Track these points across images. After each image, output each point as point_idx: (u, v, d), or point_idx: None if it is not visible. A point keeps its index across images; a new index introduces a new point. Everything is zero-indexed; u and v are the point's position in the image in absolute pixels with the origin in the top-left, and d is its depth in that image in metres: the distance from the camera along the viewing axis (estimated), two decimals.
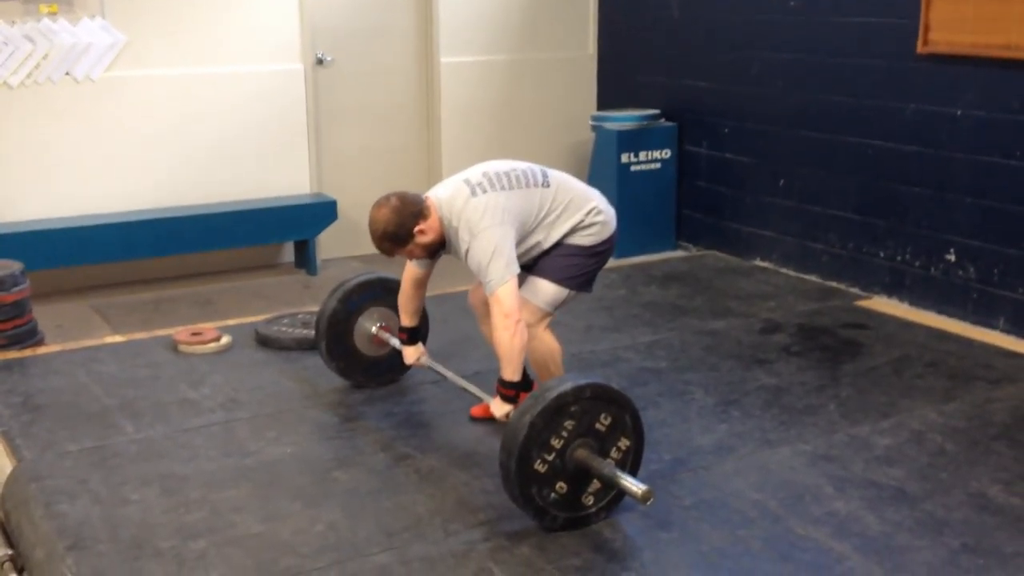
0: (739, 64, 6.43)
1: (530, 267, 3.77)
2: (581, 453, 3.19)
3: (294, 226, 6.55)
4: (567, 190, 3.76)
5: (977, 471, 3.66)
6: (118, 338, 5.12)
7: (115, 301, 5.99)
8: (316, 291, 6.21)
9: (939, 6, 5.20)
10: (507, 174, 3.66)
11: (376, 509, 3.41)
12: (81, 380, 4.51)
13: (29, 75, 5.82)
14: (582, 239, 3.74)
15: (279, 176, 6.61)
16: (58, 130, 5.98)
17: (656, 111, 6.95)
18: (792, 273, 6.20)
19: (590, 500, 3.27)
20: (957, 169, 5.25)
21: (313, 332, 4.90)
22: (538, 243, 3.72)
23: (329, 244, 6.79)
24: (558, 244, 3.73)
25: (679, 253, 6.90)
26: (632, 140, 6.78)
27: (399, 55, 6.99)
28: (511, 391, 3.55)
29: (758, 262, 6.45)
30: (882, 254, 5.69)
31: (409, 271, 3.92)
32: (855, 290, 5.83)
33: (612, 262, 3.83)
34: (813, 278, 6.07)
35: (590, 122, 7.03)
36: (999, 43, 4.94)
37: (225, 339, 4.91)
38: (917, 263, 5.51)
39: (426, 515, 3.37)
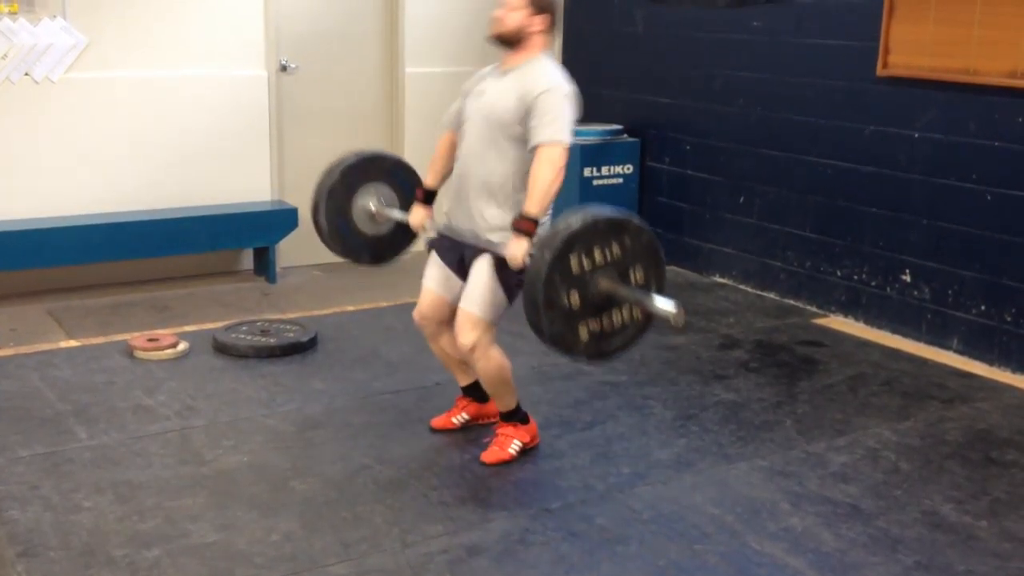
0: (702, 81, 6.49)
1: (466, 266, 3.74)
2: (605, 283, 3.17)
3: (254, 233, 6.50)
4: None
5: (930, 489, 3.71)
6: (73, 343, 5.06)
7: (71, 305, 5.91)
8: (275, 299, 6.18)
9: (899, 29, 5.28)
10: None
11: (333, 519, 3.39)
12: (34, 385, 4.44)
13: None
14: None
15: (240, 182, 6.56)
16: (15, 131, 5.90)
17: (619, 126, 6.99)
18: (751, 290, 6.25)
19: (615, 335, 3.26)
20: (914, 191, 5.33)
21: (272, 342, 4.88)
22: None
23: (289, 252, 6.74)
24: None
25: None
26: (595, 155, 6.81)
27: (364, 64, 6.98)
28: (532, 226, 3.46)
29: (717, 278, 6.50)
30: (839, 273, 5.76)
31: (446, 136, 3.93)
32: (812, 308, 5.88)
33: None
34: (771, 295, 6.13)
35: None
36: (957, 67, 5.02)
37: (182, 345, 4.86)
38: (873, 283, 5.58)
39: (384, 526, 3.36)
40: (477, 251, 3.69)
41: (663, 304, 3.12)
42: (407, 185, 4.12)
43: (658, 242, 3.32)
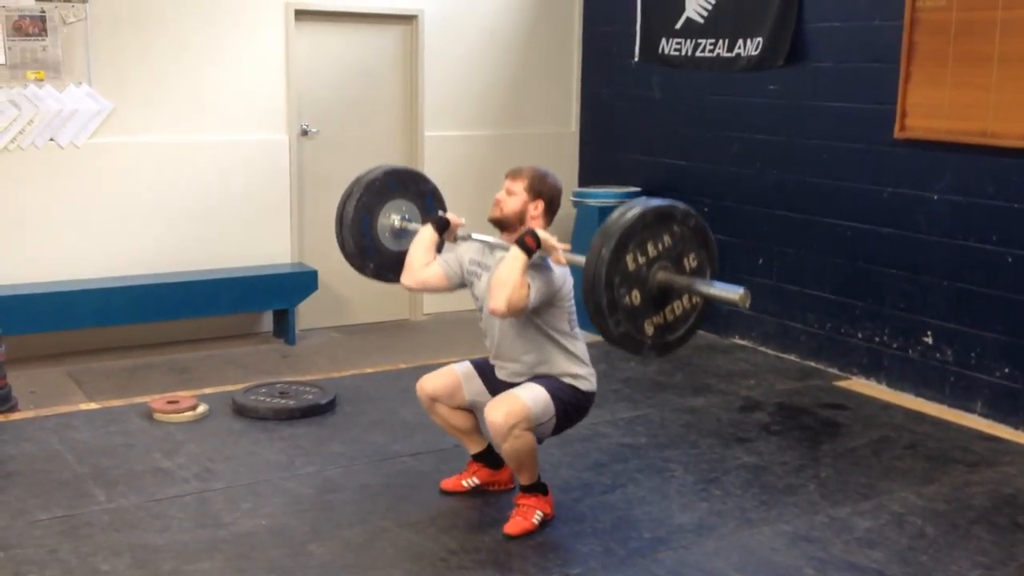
0: (719, 144, 6.52)
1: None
2: (662, 276, 3.19)
3: (274, 295, 6.53)
4: (584, 352, 3.80)
5: (957, 555, 3.65)
6: (92, 405, 5.06)
7: (90, 367, 5.93)
8: (294, 361, 6.18)
9: (916, 93, 5.31)
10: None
11: None
12: (54, 447, 4.44)
13: (13, 140, 5.83)
14: (578, 382, 3.73)
15: (260, 245, 6.61)
16: (40, 195, 5.97)
17: (637, 188, 7.02)
18: (771, 352, 6.22)
19: (678, 325, 3.29)
20: (933, 252, 5.32)
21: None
22: (543, 361, 3.72)
23: (309, 314, 6.77)
24: (555, 377, 3.71)
25: None
26: None
27: (384, 128, 7.05)
28: (533, 241, 3.49)
29: (737, 340, 6.47)
30: (860, 335, 5.73)
31: (439, 272, 3.91)
32: (833, 370, 5.84)
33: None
34: (792, 357, 6.09)
35: (571, 198, 7.09)
36: (975, 130, 5.04)
37: (201, 408, 4.86)
38: (895, 344, 5.54)
39: None
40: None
41: (726, 290, 3.13)
42: (434, 213, 4.15)
43: (706, 224, 3.33)
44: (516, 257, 3.47)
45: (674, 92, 6.86)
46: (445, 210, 4.20)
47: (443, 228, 3.94)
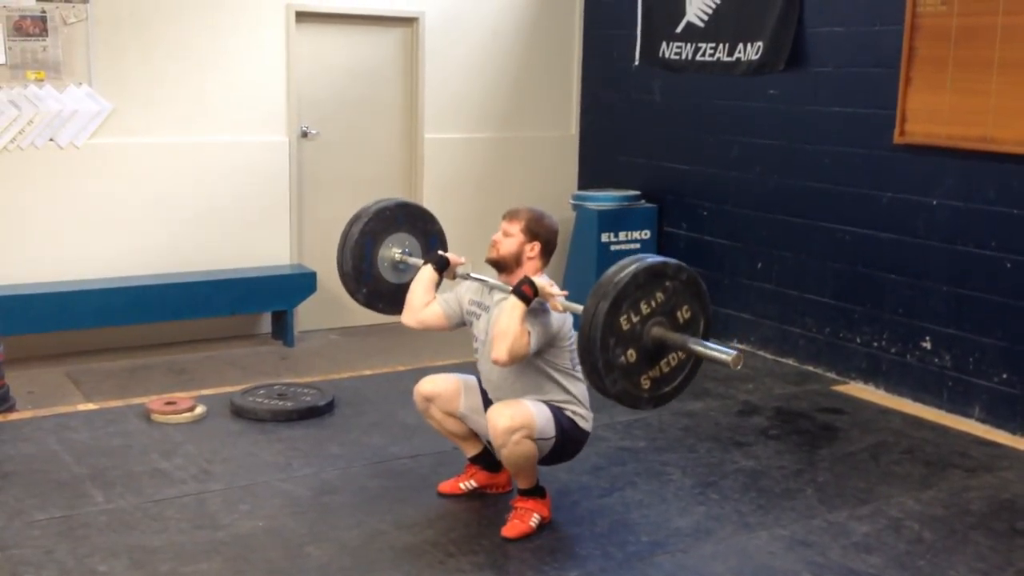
0: (719, 148, 6.53)
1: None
2: (657, 331, 3.22)
3: (273, 296, 6.53)
4: (585, 395, 3.79)
5: (955, 560, 3.65)
6: (91, 406, 5.06)
7: (89, 368, 5.93)
8: (293, 362, 6.18)
9: (915, 98, 5.31)
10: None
11: None
12: (52, 447, 4.44)
13: (13, 140, 5.83)
14: (577, 418, 3.74)
15: (259, 246, 6.61)
16: (39, 195, 5.98)
17: (636, 192, 7.03)
18: (770, 356, 6.22)
19: (673, 376, 3.33)
20: (933, 258, 5.32)
21: (289, 396, 4.88)
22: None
23: (308, 316, 6.77)
24: (558, 407, 3.72)
25: None
26: (612, 220, 6.84)
27: (384, 130, 7.06)
28: (530, 289, 3.52)
29: (736, 344, 6.47)
30: (858, 340, 5.73)
31: (439, 311, 3.93)
32: (832, 375, 5.85)
33: None
34: (790, 362, 6.10)
35: (571, 201, 7.10)
36: (975, 135, 5.04)
37: (199, 409, 4.86)
38: (893, 350, 5.54)
39: None
40: None
41: (717, 351, 3.16)
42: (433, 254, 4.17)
43: (698, 277, 3.37)
44: (515, 307, 3.50)
45: (674, 96, 6.87)
46: (446, 251, 4.22)
47: (443, 267, 3.99)
